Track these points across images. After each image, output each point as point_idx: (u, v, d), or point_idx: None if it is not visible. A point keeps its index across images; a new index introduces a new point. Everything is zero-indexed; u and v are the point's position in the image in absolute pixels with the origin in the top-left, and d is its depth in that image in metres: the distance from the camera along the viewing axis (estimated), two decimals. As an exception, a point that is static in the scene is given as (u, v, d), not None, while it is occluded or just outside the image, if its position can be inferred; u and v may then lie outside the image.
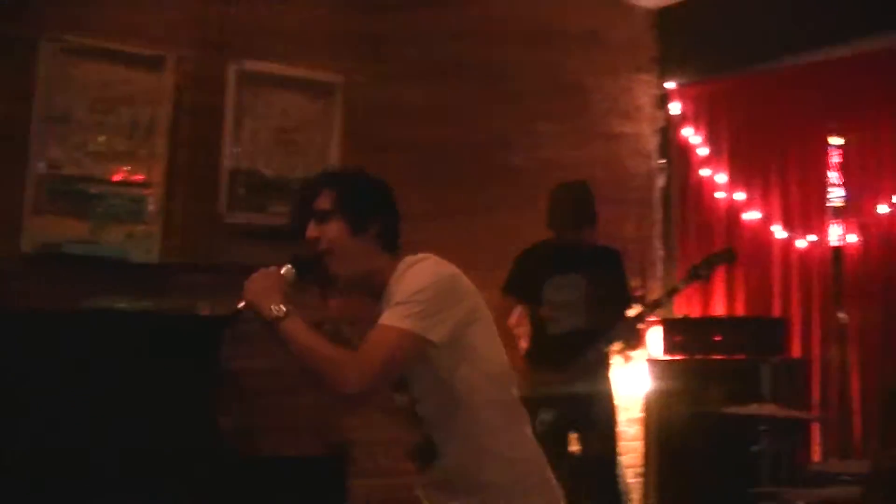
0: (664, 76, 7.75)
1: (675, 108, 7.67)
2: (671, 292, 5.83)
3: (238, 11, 5.68)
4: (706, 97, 7.57)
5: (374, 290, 2.89)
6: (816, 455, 6.43)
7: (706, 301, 7.25)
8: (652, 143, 7.72)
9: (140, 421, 4.51)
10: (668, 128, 7.71)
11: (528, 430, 3.04)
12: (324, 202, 2.88)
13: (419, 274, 2.81)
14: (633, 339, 5.68)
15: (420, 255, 2.90)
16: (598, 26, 7.49)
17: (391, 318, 2.71)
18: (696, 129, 7.54)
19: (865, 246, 6.47)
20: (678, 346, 6.82)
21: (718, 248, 6.48)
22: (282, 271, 2.79)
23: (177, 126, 5.39)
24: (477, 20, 6.77)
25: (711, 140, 7.45)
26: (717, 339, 6.68)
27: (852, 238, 6.52)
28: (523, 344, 5.70)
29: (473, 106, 6.69)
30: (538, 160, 6.90)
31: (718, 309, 7.18)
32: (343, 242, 2.86)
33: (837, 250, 6.65)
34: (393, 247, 2.95)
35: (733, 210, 7.23)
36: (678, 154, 7.66)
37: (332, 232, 2.86)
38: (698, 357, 6.71)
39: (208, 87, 5.56)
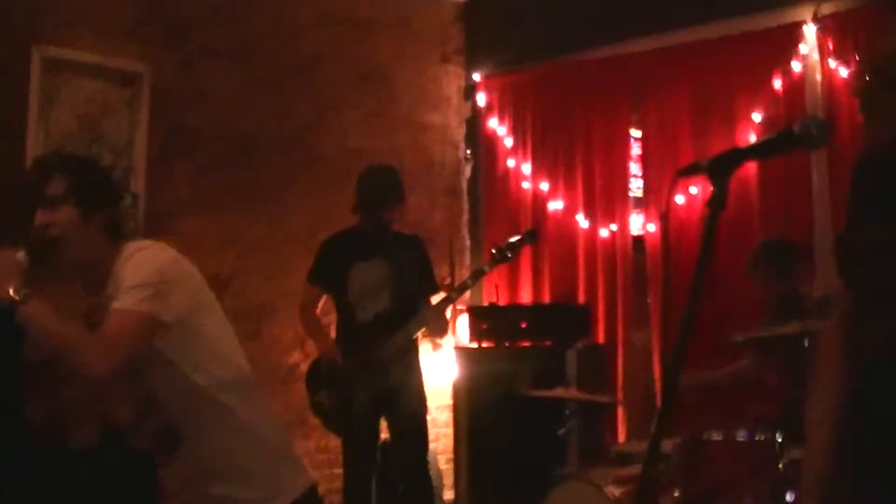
0: (471, 67, 7.86)
1: (481, 98, 7.79)
2: (476, 274, 5.82)
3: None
4: (511, 88, 7.71)
5: (96, 279, 2.90)
6: (622, 436, 6.64)
7: (512, 289, 7.39)
8: (459, 133, 7.84)
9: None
10: (475, 118, 7.83)
11: (266, 406, 3.15)
12: (55, 188, 2.86)
13: (147, 259, 2.85)
14: (441, 325, 5.72)
15: (142, 242, 2.95)
16: (406, 16, 7.54)
17: (127, 301, 2.74)
18: (502, 119, 7.68)
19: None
20: (485, 333, 6.91)
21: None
22: (17, 256, 2.74)
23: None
24: (283, 5, 6.72)
25: (517, 131, 7.60)
26: (523, 325, 6.81)
27: (652, 227, 6.75)
28: (332, 333, 5.69)
29: (279, 93, 6.64)
30: (345, 149, 6.89)
31: (525, 296, 7.33)
32: (74, 229, 2.84)
33: (639, 239, 6.88)
34: (118, 236, 2.95)
35: (538, 200, 7.40)
36: (485, 144, 7.79)
37: (62, 218, 2.84)
38: (505, 344, 6.83)
39: (12, 73, 5.37)
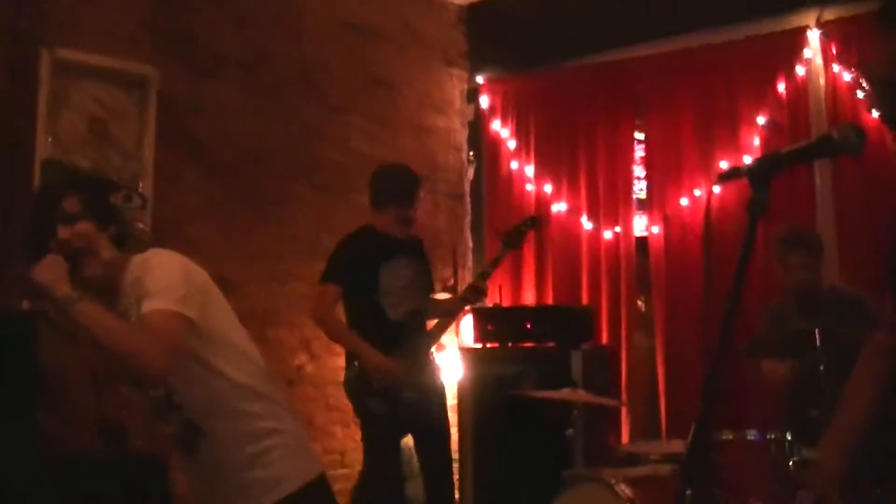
0: (474, 71, 7.92)
1: (484, 102, 7.83)
2: (495, 262, 5.78)
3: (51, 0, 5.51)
4: (515, 92, 7.76)
5: (107, 292, 3.01)
6: (625, 437, 6.69)
7: (516, 290, 7.43)
8: (462, 136, 7.89)
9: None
10: (478, 121, 7.88)
11: (280, 398, 3.27)
12: (72, 205, 2.98)
13: (166, 264, 2.99)
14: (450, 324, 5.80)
15: (149, 252, 3.08)
16: (409, 21, 7.58)
17: (162, 302, 2.85)
18: (505, 123, 7.72)
19: (668, 237, 6.75)
20: (490, 334, 6.93)
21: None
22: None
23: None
24: (287, 12, 6.75)
25: (520, 134, 7.64)
26: (527, 327, 6.84)
27: (656, 229, 6.80)
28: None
29: (284, 99, 6.67)
30: (350, 154, 6.93)
31: (528, 298, 7.36)
32: (93, 242, 2.98)
33: (642, 241, 6.93)
34: (125, 249, 3.09)
35: (542, 202, 7.43)
36: (488, 147, 7.83)
37: (82, 231, 2.96)
38: (510, 345, 6.87)
39: (20, 75, 5.38)
